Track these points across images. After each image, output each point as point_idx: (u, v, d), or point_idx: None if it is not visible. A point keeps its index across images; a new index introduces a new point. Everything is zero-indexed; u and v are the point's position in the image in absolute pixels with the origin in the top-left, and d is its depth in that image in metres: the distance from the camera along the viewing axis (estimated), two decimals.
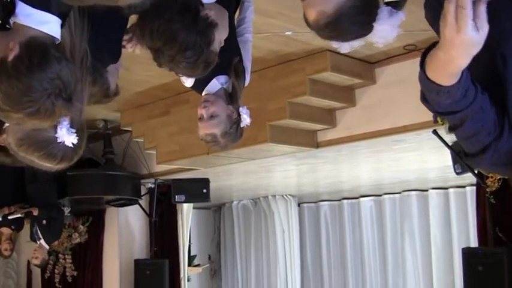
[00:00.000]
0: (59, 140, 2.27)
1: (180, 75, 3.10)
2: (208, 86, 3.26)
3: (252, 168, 8.27)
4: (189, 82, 3.27)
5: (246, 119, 3.29)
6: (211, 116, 3.22)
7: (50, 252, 9.05)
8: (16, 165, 2.46)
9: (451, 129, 1.97)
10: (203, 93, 3.30)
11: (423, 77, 1.81)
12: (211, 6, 2.86)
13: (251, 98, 6.81)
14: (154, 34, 2.69)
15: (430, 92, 1.84)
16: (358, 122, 6.81)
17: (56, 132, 2.26)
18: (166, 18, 2.68)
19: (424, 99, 1.89)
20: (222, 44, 2.89)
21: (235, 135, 3.29)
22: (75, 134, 2.28)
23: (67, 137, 2.27)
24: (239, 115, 3.27)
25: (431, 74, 1.79)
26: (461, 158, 6.31)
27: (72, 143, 2.28)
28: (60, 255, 9.34)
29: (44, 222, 7.91)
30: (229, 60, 3.20)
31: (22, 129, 2.25)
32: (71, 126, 2.27)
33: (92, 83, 2.70)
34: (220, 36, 2.86)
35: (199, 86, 3.29)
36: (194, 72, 2.91)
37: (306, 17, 2.25)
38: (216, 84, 3.26)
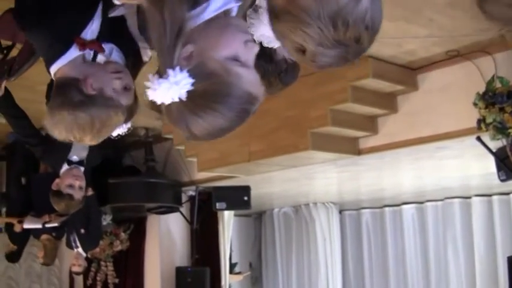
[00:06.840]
0: None
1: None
2: None
3: (293, 176, 8.24)
4: None
5: None
6: None
7: (91, 260, 9.10)
8: None
9: None
10: None
11: None
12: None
13: (292, 105, 6.83)
14: None
15: None
16: (400, 128, 6.75)
17: None
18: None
19: None
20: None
21: None
22: None
23: None
24: None
25: None
26: (506, 165, 6.22)
27: None
28: (102, 263, 9.39)
29: (82, 231, 7.92)
30: None
31: None
32: None
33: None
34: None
35: None
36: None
37: None
38: None
